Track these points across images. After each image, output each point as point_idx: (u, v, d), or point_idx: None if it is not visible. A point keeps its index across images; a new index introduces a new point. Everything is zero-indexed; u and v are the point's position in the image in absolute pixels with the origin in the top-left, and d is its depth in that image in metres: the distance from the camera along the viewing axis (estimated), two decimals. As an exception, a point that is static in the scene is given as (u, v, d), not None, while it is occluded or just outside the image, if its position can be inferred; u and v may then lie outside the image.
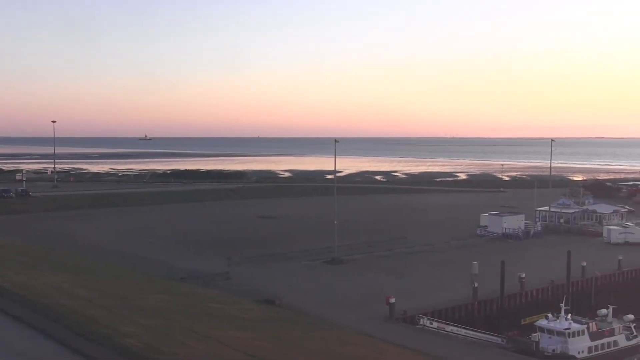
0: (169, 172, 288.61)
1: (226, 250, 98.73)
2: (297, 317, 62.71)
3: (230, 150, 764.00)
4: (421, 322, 63.24)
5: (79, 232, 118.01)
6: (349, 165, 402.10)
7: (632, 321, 71.93)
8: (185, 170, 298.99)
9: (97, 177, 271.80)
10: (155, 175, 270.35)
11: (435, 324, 63.63)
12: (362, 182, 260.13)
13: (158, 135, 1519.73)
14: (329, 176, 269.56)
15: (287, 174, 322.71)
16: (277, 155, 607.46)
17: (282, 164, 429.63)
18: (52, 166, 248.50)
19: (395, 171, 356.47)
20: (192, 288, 73.00)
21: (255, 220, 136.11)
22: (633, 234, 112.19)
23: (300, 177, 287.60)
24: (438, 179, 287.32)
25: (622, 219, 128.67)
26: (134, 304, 51.19)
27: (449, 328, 63.75)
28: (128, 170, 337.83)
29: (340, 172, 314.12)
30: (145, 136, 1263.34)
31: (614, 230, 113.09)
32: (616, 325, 70.41)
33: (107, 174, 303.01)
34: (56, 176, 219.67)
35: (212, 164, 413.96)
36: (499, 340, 64.29)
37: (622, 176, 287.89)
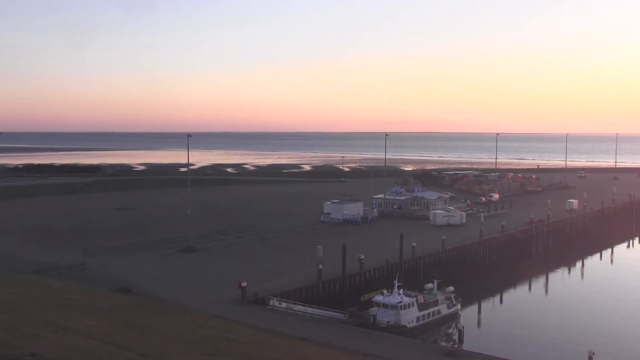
0: (20, 166, 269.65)
1: (82, 242, 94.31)
2: (153, 303, 61.11)
3: (85, 144, 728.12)
4: (271, 303, 63.79)
5: None
6: (201, 158, 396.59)
7: (452, 292, 76.85)
8: (39, 164, 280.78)
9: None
10: (5, 170, 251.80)
11: (283, 304, 64.39)
12: (214, 174, 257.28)
13: (8, 130, 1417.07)
14: (183, 169, 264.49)
15: (142, 167, 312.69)
16: (131, 150, 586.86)
17: (137, 158, 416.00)
18: None
19: (245, 163, 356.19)
20: (46, 280, 69.03)
21: (112, 212, 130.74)
22: (454, 216, 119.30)
23: (155, 170, 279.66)
24: (285, 171, 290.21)
25: (445, 204, 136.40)
26: (-16, 299, 47.64)
27: (297, 307, 64.74)
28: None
29: (193, 164, 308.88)
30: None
31: (438, 214, 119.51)
32: (440, 296, 74.94)
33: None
34: None
35: (67, 158, 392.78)
36: (341, 316, 66.12)
37: (445, 166, 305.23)
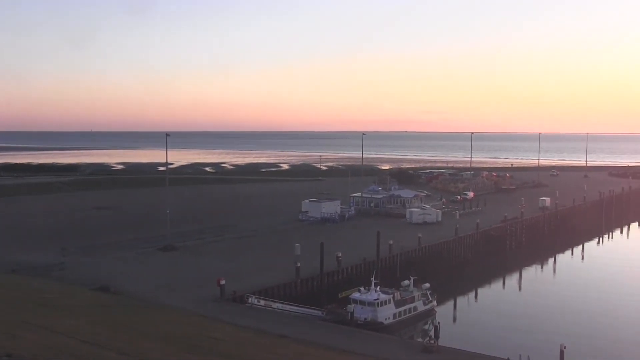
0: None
1: (61, 241, 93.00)
2: (132, 302, 60.58)
3: (63, 144, 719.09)
4: (249, 301, 63.53)
5: None
6: (180, 157, 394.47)
7: (428, 289, 77.25)
8: (16, 163, 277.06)
9: None
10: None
11: (262, 302, 64.15)
12: (193, 173, 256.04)
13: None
14: (161, 168, 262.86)
15: (120, 167, 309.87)
16: (110, 149, 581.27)
17: (116, 157, 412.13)
18: None
19: (224, 162, 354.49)
20: (24, 280, 68.07)
21: (91, 212, 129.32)
22: (430, 214, 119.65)
23: (134, 169, 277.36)
24: (263, 170, 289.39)
25: (421, 202, 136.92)
26: (-39, 299, 46.85)
27: (275, 305, 64.53)
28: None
29: (171, 164, 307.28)
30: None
31: (414, 212, 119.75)
32: (416, 293, 75.23)
33: None
34: None
35: (45, 157, 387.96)
36: (319, 313, 66.01)
37: (421, 165, 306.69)
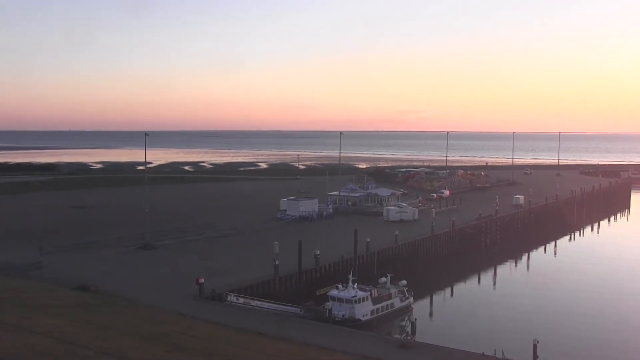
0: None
1: (39, 240, 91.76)
2: (111, 301, 60.13)
3: (41, 142, 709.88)
4: (228, 299, 63.41)
5: None
6: (159, 156, 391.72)
7: (405, 286, 77.67)
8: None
9: None
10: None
11: (241, 300, 64.06)
12: (172, 172, 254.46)
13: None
14: (140, 167, 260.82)
15: (99, 166, 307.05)
16: (89, 148, 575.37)
17: (94, 156, 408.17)
18: None
19: (203, 162, 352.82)
20: (2, 280, 67.15)
21: (69, 211, 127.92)
22: (406, 212, 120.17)
23: (112, 168, 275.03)
24: (242, 169, 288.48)
25: (398, 200, 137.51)
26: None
27: (254, 302, 64.46)
28: None
29: (150, 163, 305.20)
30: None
31: (391, 210, 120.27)
32: (393, 290, 75.64)
33: None
34: None
35: (22, 156, 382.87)
36: (298, 310, 66.14)
37: (398, 164, 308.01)
